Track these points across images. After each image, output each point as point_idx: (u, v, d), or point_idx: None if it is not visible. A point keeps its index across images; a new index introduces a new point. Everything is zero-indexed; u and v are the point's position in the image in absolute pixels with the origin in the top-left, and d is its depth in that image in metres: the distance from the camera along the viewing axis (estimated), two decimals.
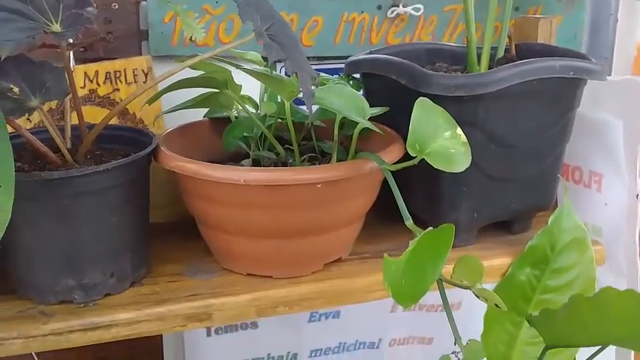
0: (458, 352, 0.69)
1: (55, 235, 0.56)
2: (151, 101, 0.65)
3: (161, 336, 1.08)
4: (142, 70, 0.86)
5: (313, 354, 1.22)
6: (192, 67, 0.63)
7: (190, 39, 0.94)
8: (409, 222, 0.57)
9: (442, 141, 0.54)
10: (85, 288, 0.58)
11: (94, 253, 0.58)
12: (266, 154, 0.66)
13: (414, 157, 0.55)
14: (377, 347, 1.26)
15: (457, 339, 0.56)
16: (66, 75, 0.57)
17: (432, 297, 1.24)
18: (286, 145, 0.68)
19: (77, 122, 0.61)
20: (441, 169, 0.54)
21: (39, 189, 0.54)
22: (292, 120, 0.67)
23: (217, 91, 0.64)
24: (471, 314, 1.30)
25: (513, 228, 0.73)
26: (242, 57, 0.75)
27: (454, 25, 1.13)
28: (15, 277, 0.60)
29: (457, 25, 1.13)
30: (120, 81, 0.84)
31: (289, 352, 1.21)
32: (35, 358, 0.95)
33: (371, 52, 0.76)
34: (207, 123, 0.75)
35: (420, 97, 0.55)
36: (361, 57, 0.74)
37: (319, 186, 0.56)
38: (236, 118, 0.71)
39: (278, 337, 1.19)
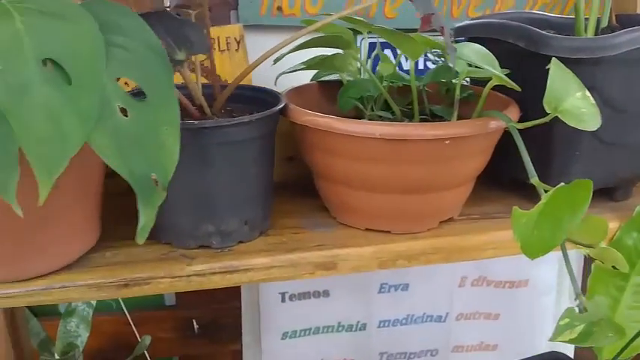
0: None
1: (199, 183, 0.60)
2: (276, 61, 0.68)
3: (240, 300, 1.12)
4: (235, 38, 0.89)
5: (382, 324, 1.25)
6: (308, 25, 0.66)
7: (277, 8, 0.98)
8: (535, 179, 0.59)
9: (574, 100, 0.56)
10: (222, 234, 0.62)
11: (233, 201, 0.61)
12: (383, 114, 0.69)
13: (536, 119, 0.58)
14: (444, 321, 1.28)
15: (578, 295, 0.58)
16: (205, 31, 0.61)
17: (500, 273, 1.26)
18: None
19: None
20: (573, 126, 0.56)
21: (188, 138, 0.57)
22: (398, 84, 0.69)
23: (332, 54, 0.67)
24: (538, 292, 1.32)
25: (616, 195, 0.75)
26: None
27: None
28: (155, 223, 0.63)
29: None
30: (213, 48, 0.88)
31: (359, 322, 1.24)
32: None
33: (475, 19, 0.78)
34: (315, 86, 0.78)
35: (554, 58, 0.58)
36: (470, 22, 0.76)
37: (447, 142, 0.59)
38: (348, 80, 0.74)
39: (348, 307, 1.22)
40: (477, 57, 0.59)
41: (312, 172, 0.69)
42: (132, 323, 1.03)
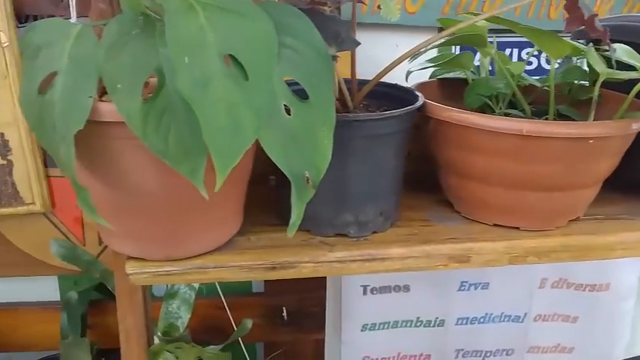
0: None
1: (342, 174, 0.62)
2: (413, 58, 0.70)
3: (325, 291, 1.14)
4: None
5: (460, 322, 1.26)
6: (445, 24, 0.68)
7: (378, 6, 0.99)
8: None
9: None
10: (360, 224, 0.64)
11: (372, 192, 0.63)
12: (514, 112, 0.70)
13: None
14: (522, 321, 1.28)
15: None
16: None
17: (581, 276, 1.26)
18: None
19: None
20: None
21: (336, 130, 0.59)
22: (525, 83, 0.70)
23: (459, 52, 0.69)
24: (619, 297, 1.31)
25: None
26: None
27: (631, 3, 1.13)
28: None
29: (634, 4, 1.14)
30: None
31: (437, 318, 1.25)
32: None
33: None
34: (435, 83, 0.79)
35: None
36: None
37: (591, 141, 0.60)
38: (474, 78, 0.75)
39: (428, 302, 1.23)
40: (630, 57, 0.60)
41: (440, 168, 0.71)
42: (227, 307, 1.06)
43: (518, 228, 0.67)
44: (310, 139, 0.53)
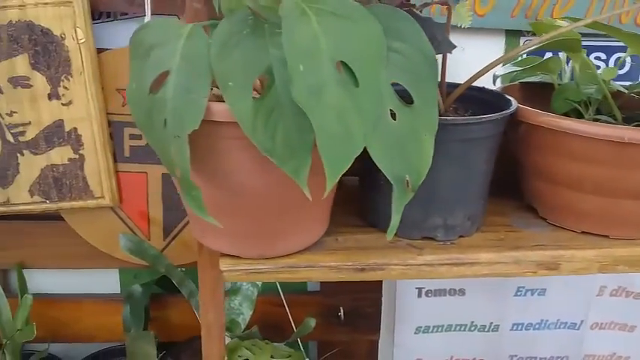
0: None
1: (434, 178, 0.61)
2: (505, 63, 0.69)
3: (380, 292, 1.14)
4: None
5: (515, 327, 1.25)
6: (539, 29, 0.67)
7: (446, 8, 0.99)
8: None
9: None
10: (447, 227, 0.64)
11: (463, 196, 0.63)
12: (604, 117, 0.69)
13: None
14: (578, 328, 1.26)
15: None
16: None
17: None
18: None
19: None
20: None
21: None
22: (614, 89, 0.69)
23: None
24: None
25: None
26: (551, 24, 0.78)
27: None
28: (379, 211, 0.66)
29: None
30: None
31: (492, 323, 1.24)
32: None
33: None
34: (517, 87, 0.78)
35: None
36: None
37: None
38: (560, 83, 0.74)
39: (483, 307, 1.22)
40: None
41: (525, 173, 0.70)
42: (286, 305, 1.07)
43: (607, 236, 0.66)
44: (413, 143, 0.53)
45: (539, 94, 0.76)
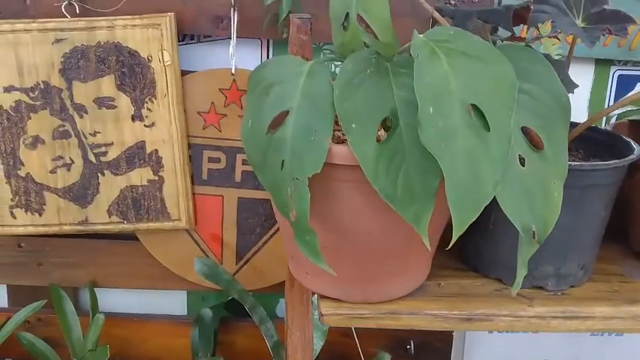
0: None
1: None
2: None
3: None
4: None
5: None
6: None
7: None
8: None
9: None
10: (559, 277, 0.60)
11: (578, 244, 0.59)
12: None
13: None
14: None
15: None
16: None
17: None
18: None
19: None
20: None
21: None
22: None
23: None
24: None
25: None
26: None
27: None
28: (484, 256, 0.63)
29: None
30: None
31: None
32: None
33: None
34: (625, 125, 0.74)
35: None
36: None
37: None
38: None
39: (558, 346, 1.17)
40: None
41: (638, 220, 0.66)
42: (355, 337, 1.04)
43: None
44: (542, 191, 0.50)
45: None
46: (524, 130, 0.49)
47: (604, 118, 0.82)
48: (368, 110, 0.47)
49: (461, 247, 0.66)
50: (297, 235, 0.49)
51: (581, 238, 0.59)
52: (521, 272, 0.49)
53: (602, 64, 1.03)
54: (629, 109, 0.71)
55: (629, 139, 0.62)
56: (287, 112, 0.49)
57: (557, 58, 0.71)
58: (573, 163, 0.55)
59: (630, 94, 0.57)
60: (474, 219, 0.46)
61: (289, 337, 0.67)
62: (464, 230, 0.45)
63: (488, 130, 0.46)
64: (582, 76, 1.03)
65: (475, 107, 0.47)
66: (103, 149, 0.95)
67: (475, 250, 0.63)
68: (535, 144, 0.50)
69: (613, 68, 1.03)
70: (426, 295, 0.59)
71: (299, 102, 0.49)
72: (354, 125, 0.47)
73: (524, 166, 0.49)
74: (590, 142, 0.66)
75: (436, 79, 0.46)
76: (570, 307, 0.58)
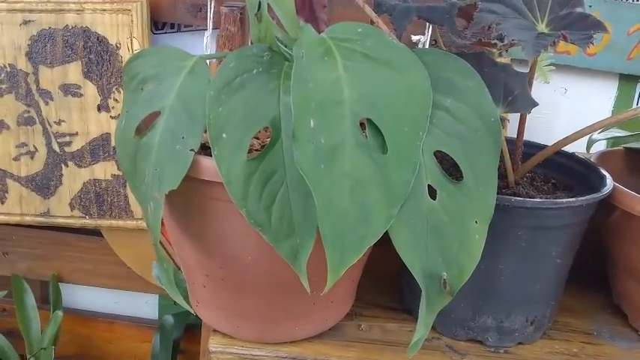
0: None
1: (490, 268, 0.48)
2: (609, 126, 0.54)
3: None
4: None
5: None
6: None
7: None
8: None
9: None
10: (502, 331, 0.50)
11: (526, 294, 0.49)
12: None
13: None
14: None
15: None
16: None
17: None
18: None
19: None
20: None
21: (496, 214, 0.45)
22: None
23: None
24: None
25: None
26: None
27: None
28: (417, 296, 0.53)
29: None
30: None
31: None
32: None
33: None
34: (621, 153, 0.63)
35: None
36: None
37: None
38: None
39: None
40: None
41: (615, 268, 0.55)
42: None
43: None
44: (458, 231, 0.40)
45: None
46: (439, 156, 0.40)
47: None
48: (244, 118, 0.39)
49: (401, 279, 0.56)
50: (157, 260, 0.42)
51: (531, 287, 0.49)
52: (421, 331, 0.40)
53: (628, 80, 0.90)
54: (620, 133, 0.59)
55: (605, 173, 0.51)
56: (159, 114, 0.41)
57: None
58: (514, 198, 0.45)
59: (613, 116, 0.46)
60: (355, 261, 0.37)
61: None
62: (340, 276, 0.37)
63: (385, 153, 0.37)
64: (604, 92, 0.91)
65: (371, 123, 0.38)
66: (67, 139, 0.91)
67: (409, 288, 0.54)
68: (452, 173, 0.40)
69: None
70: (340, 339, 0.50)
71: (172, 103, 0.41)
72: (224, 135, 0.39)
73: (435, 199, 0.40)
74: (567, 172, 0.55)
75: (324, 85, 0.37)
76: None
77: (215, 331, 0.49)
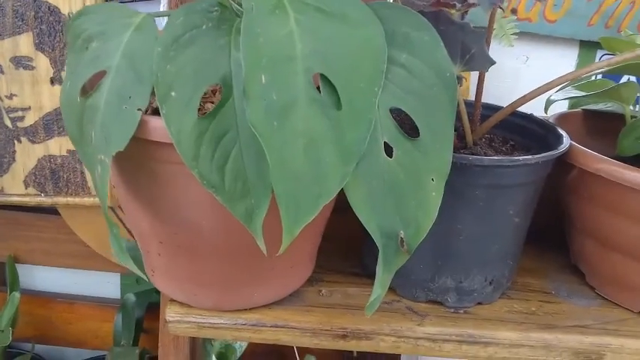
0: None
1: (449, 228, 0.48)
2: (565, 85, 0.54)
3: None
4: None
5: None
6: (611, 46, 0.52)
7: (512, 10, 0.84)
8: None
9: None
10: (461, 292, 0.50)
11: (484, 254, 0.49)
12: None
13: None
14: None
15: None
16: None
17: None
18: None
19: None
20: None
21: (454, 173, 0.45)
22: None
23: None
24: None
25: None
26: (631, 41, 0.63)
27: None
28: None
29: None
30: None
31: None
32: None
33: None
34: (580, 115, 0.63)
35: None
36: None
37: None
38: (632, 117, 0.58)
39: None
40: None
41: (573, 228, 0.55)
42: None
43: None
44: (414, 189, 0.40)
45: (607, 127, 0.60)
46: (395, 113, 0.39)
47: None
48: (193, 75, 0.38)
49: (363, 244, 0.56)
50: (108, 225, 0.40)
51: (489, 247, 0.49)
52: (377, 291, 0.40)
53: (588, 47, 0.91)
54: (578, 93, 0.60)
55: (562, 132, 0.51)
56: (104, 73, 0.40)
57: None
58: (472, 156, 0.44)
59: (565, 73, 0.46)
60: (310, 220, 0.36)
61: (160, 350, 0.59)
62: (295, 235, 0.36)
63: (340, 109, 0.37)
64: (565, 59, 0.92)
65: (325, 79, 0.37)
66: (19, 114, 0.87)
67: (371, 253, 0.53)
68: (409, 130, 0.40)
69: (600, 52, 0.91)
70: (299, 304, 0.50)
71: (118, 62, 0.39)
72: (173, 93, 0.37)
73: (391, 156, 0.39)
74: (525, 133, 0.55)
75: (275, 39, 0.36)
76: (469, 329, 0.48)
77: (172, 300, 0.48)
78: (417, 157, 0.39)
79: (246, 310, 0.48)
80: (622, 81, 0.58)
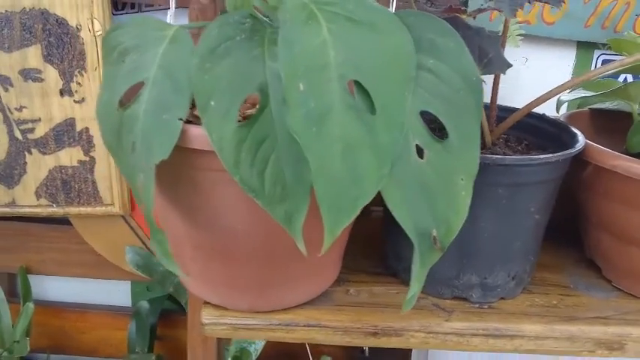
0: None
1: (473, 226, 0.49)
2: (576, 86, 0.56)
3: None
4: None
5: None
6: (617, 47, 0.54)
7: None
8: None
9: None
10: (485, 287, 0.52)
11: (506, 250, 0.51)
12: None
13: None
14: None
15: None
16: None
17: None
18: None
19: None
20: None
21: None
22: None
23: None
24: None
25: None
26: (635, 41, 0.65)
27: None
28: (404, 260, 0.55)
29: None
30: None
31: None
32: None
33: None
34: (587, 114, 0.65)
35: None
36: None
37: None
38: (639, 114, 0.60)
39: None
40: None
41: (588, 223, 0.57)
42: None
43: None
44: (445, 189, 0.41)
45: (614, 125, 0.62)
46: (425, 116, 0.41)
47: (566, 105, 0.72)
48: (231, 85, 0.39)
49: (383, 246, 0.58)
50: (151, 232, 0.41)
51: (511, 244, 0.50)
52: (415, 287, 0.41)
53: (585, 47, 0.93)
54: (586, 93, 0.62)
55: (576, 131, 0.53)
56: (142, 84, 0.41)
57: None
58: (494, 156, 0.46)
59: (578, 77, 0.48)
60: (350, 222, 0.37)
61: (189, 344, 0.60)
62: (337, 235, 0.37)
63: (374, 114, 0.38)
64: (562, 59, 0.94)
65: (359, 85, 0.38)
66: (29, 125, 0.88)
67: (394, 252, 0.55)
68: (438, 132, 0.41)
69: (597, 53, 0.93)
70: (330, 304, 0.51)
71: (155, 73, 0.40)
72: (212, 102, 0.38)
73: (422, 158, 0.41)
74: (538, 133, 0.57)
75: (310, 48, 0.38)
76: (495, 323, 0.50)
77: (206, 303, 0.49)
78: (446, 158, 0.41)
79: (278, 310, 0.49)
80: (619, 80, 0.60)
